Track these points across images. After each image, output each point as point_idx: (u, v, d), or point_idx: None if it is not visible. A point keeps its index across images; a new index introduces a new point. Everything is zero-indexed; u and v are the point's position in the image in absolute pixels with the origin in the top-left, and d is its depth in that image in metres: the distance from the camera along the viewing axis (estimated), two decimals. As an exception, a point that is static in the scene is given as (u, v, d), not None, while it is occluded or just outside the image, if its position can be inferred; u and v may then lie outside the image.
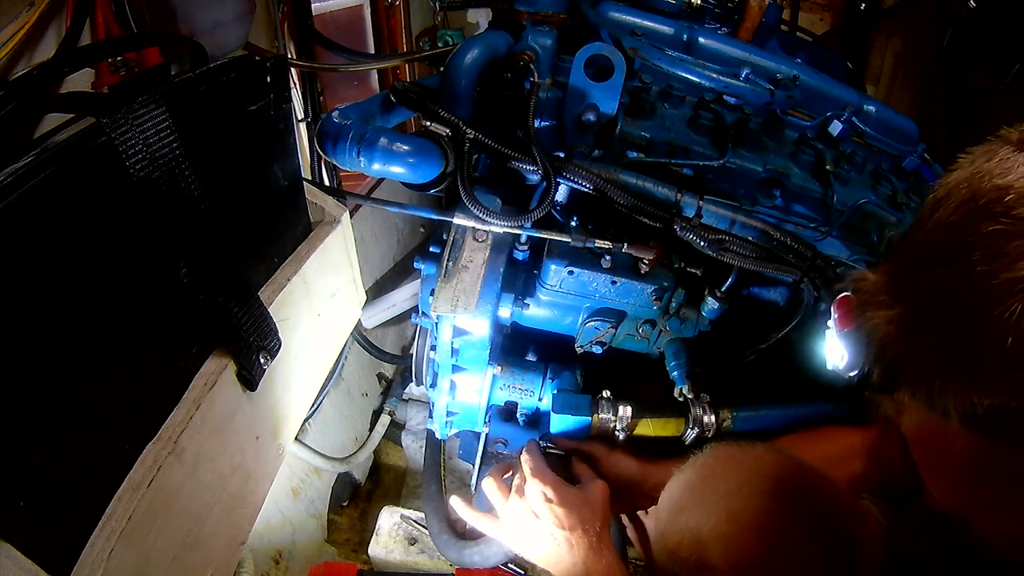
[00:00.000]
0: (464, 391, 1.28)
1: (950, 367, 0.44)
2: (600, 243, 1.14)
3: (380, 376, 2.40)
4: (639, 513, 1.16)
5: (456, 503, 1.19)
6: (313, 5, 1.80)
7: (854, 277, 0.54)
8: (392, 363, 2.41)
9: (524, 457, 1.14)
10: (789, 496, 0.76)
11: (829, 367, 0.58)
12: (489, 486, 1.15)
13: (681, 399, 1.24)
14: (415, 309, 1.44)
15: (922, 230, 0.48)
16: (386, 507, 1.78)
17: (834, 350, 0.56)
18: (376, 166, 1.06)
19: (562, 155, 1.20)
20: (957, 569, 0.73)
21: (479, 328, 1.15)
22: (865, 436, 1.07)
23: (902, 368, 0.47)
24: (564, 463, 1.18)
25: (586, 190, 1.13)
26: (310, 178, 1.57)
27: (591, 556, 0.95)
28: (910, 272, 0.48)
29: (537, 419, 1.34)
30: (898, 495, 0.92)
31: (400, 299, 2.23)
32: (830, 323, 0.56)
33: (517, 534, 1.06)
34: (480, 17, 2.98)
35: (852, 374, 0.54)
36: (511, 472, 1.16)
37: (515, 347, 1.44)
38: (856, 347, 0.52)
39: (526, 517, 1.04)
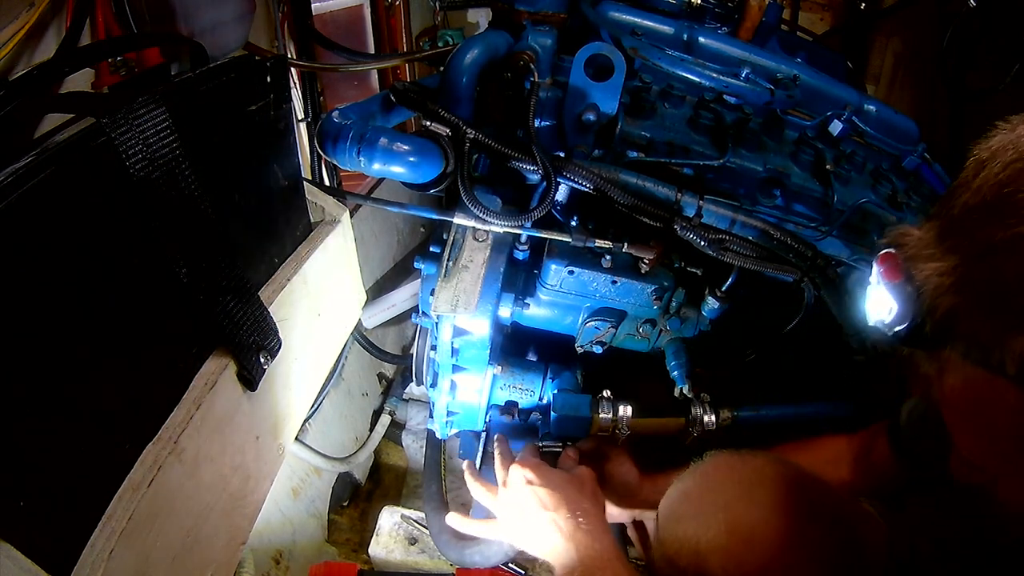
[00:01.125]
0: (464, 391, 1.28)
1: (1005, 318, 0.44)
2: (600, 243, 1.14)
3: (380, 376, 2.39)
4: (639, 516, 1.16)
5: (453, 520, 1.16)
6: (313, 5, 1.80)
7: (897, 233, 0.54)
8: (392, 363, 2.41)
9: (502, 447, 1.13)
10: (790, 506, 0.76)
11: (871, 323, 0.57)
12: (475, 488, 1.12)
13: (681, 399, 1.25)
14: (415, 309, 1.44)
15: (968, 190, 0.48)
16: (386, 507, 1.78)
17: (879, 304, 0.55)
18: (376, 166, 1.06)
19: (562, 155, 1.20)
20: (957, 569, 0.73)
21: (479, 328, 1.15)
22: (852, 441, 1.06)
23: (955, 321, 0.47)
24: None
25: (586, 190, 1.13)
26: (310, 178, 1.57)
27: (580, 538, 0.90)
28: (958, 227, 0.48)
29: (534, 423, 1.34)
30: (891, 498, 0.92)
31: (400, 299, 2.23)
32: (872, 278, 0.56)
33: (510, 527, 1.02)
34: (480, 17, 2.98)
35: (900, 328, 0.53)
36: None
37: (515, 347, 1.44)
38: (906, 299, 0.52)
39: (514, 507, 1.01)
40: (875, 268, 0.56)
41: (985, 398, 0.49)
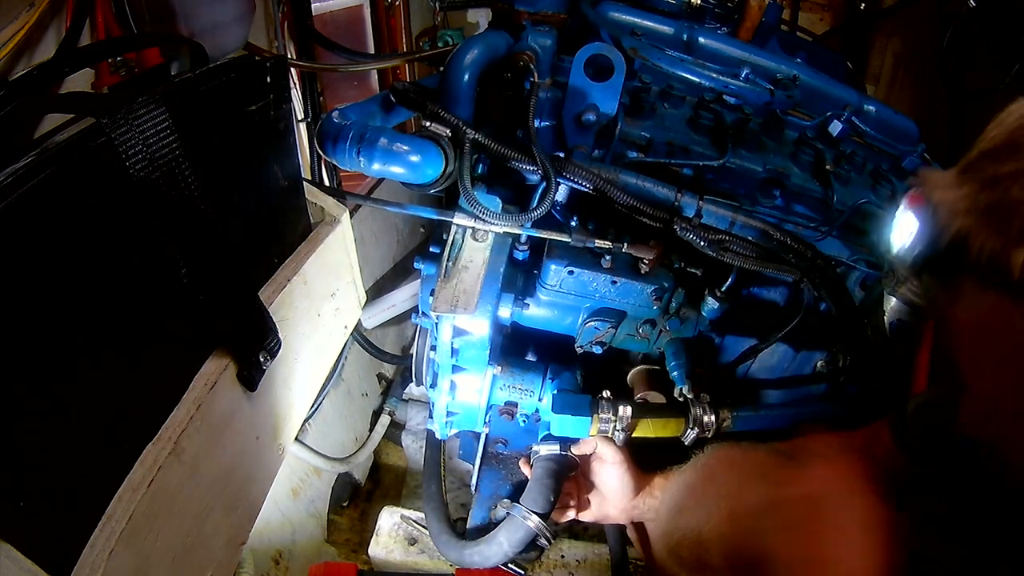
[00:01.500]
0: (464, 391, 1.28)
1: (1008, 235, 0.49)
2: (600, 243, 1.14)
3: (380, 376, 2.39)
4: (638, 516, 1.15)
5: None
6: (313, 5, 1.80)
7: (923, 173, 0.62)
8: (392, 363, 2.41)
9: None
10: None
11: (895, 250, 0.66)
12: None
13: (681, 399, 1.25)
14: (415, 309, 1.44)
15: (984, 140, 0.56)
16: (386, 507, 1.77)
17: (902, 227, 0.63)
18: (376, 166, 1.06)
19: (562, 155, 1.20)
20: (958, 568, 0.73)
21: (479, 328, 1.15)
22: (853, 439, 1.06)
23: (966, 241, 0.53)
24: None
25: (586, 190, 1.13)
26: (310, 178, 1.57)
27: None
28: (973, 167, 0.56)
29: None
30: (895, 494, 0.92)
31: (400, 299, 2.23)
32: (899, 210, 0.65)
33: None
34: (480, 17, 2.98)
35: (918, 251, 0.60)
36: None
37: (515, 347, 1.44)
38: (926, 220, 0.59)
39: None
40: (902, 201, 0.65)
41: (996, 325, 0.53)
